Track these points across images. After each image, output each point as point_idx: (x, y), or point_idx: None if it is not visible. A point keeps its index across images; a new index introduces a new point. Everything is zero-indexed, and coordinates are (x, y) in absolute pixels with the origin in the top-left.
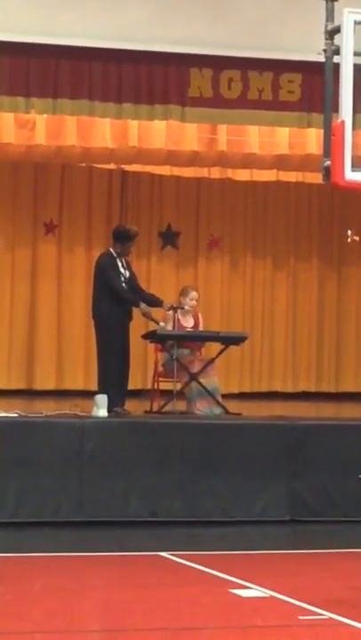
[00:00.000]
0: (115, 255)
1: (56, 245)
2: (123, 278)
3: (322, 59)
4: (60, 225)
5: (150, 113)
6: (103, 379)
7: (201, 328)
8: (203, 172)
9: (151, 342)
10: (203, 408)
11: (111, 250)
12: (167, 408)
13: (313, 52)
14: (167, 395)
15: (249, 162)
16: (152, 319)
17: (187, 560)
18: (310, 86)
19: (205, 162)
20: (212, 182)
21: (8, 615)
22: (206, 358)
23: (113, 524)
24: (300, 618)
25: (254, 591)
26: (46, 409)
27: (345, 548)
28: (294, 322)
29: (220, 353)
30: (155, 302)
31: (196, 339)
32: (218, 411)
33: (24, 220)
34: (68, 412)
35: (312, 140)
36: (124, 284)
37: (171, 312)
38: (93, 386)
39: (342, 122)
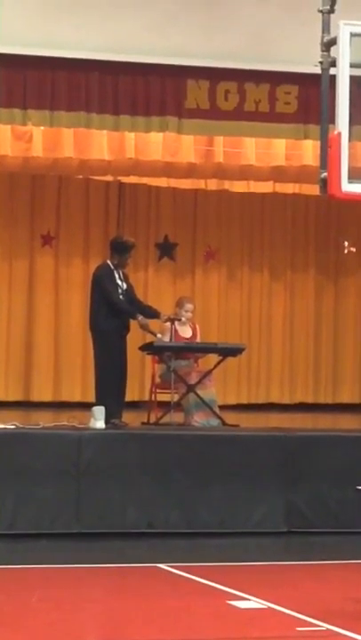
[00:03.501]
0: (112, 267)
1: (53, 257)
2: (120, 290)
3: (318, 70)
4: (57, 237)
5: (147, 125)
6: (100, 390)
7: (199, 339)
8: (200, 184)
9: (148, 354)
10: (200, 419)
11: (108, 261)
12: (164, 419)
13: (309, 64)
14: (165, 406)
15: (246, 173)
16: (149, 331)
17: (184, 571)
18: (307, 98)
19: (202, 173)
20: (209, 194)
21: (5, 627)
22: (204, 370)
23: (110, 536)
24: (298, 629)
25: (252, 602)
26: (44, 420)
27: (343, 560)
28: (291, 333)
29: (217, 364)
30: (152, 314)
31: (193, 350)
32: (215, 422)
33: (21, 231)
34: (65, 423)
35: (309, 151)
36: (121, 296)
37: (168, 323)
38: (91, 397)
39: (339, 133)
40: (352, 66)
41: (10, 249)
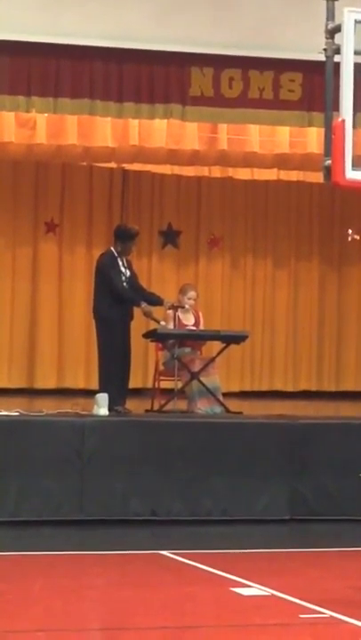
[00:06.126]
0: (115, 254)
1: (57, 244)
2: (123, 277)
3: (322, 58)
4: (61, 224)
5: (151, 112)
6: (104, 377)
7: (202, 327)
8: (203, 171)
9: (152, 341)
10: (203, 407)
11: (112, 249)
12: (168, 407)
13: (314, 52)
14: (168, 393)
15: (250, 161)
16: (153, 318)
17: (187, 559)
18: (311, 85)
19: (206, 161)
20: (213, 181)
21: (9, 614)
22: (207, 357)
23: (113, 523)
24: (301, 616)
25: (255, 590)
26: (47, 408)
27: (345, 547)
28: (295, 321)
29: (220, 352)
30: (155, 301)
31: (196, 337)
32: (219, 409)
33: (25, 218)
34: (68, 410)
35: (313, 139)
36: (124, 283)
37: (171, 311)
38: (94, 385)
39: (343, 121)
40: (356, 53)
41: (13, 236)
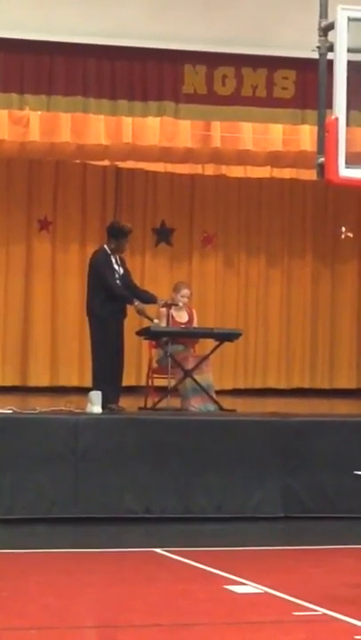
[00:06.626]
0: (109, 252)
1: (50, 242)
2: (117, 275)
3: (316, 55)
4: (55, 222)
5: (144, 109)
6: (97, 375)
7: (195, 324)
8: (197, 169)
9: (145, 339)
10: (197, 404)
11: (105, 246)
12: (161, 404)
13: (307, 49)
14: (161, 391)
15: (243, 158)
16: (146, 316)
17: (181, 556)
18: (304, 83)
19: (199, 158)
20: (206, 179)
21: (3, 611)
22: (200, 355)
23: (107, 521)
24: (295, 614)
25: (249, 587)
26: (40, 405)
27: (339, 545)
28: (288, 318)
29: (214, 349)
30: (149, 299)
31: (190, 335)
32: (212, 407)
33: (18, 216)
34: (62, 408)
35: (306, 136)
36: (118, 281)
37: (164, 309)
38: (88, 382)
39: (336, 118)
40: (350, 51)
41: (7, 234)
